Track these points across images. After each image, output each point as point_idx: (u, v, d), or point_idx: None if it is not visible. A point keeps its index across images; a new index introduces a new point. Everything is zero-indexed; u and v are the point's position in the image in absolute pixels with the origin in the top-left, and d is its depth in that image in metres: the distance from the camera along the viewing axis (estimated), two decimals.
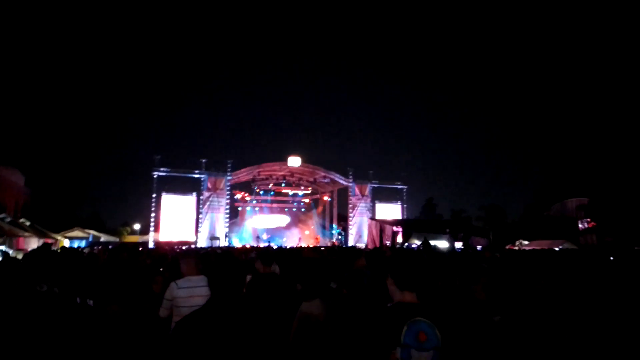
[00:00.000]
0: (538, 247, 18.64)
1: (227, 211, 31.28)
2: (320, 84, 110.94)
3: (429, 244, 16.40)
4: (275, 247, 20.30)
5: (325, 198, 38.15)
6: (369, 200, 34.97)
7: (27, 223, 14.68)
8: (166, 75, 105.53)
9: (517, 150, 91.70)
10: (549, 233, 27.13)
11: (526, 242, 24.31)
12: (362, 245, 29.22)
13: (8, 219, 13.14)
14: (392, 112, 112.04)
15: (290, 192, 38.93)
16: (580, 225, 33.60)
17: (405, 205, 36.42)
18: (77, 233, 20.98)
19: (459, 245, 19.30)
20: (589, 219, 33.45)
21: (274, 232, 36.84)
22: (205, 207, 30.26)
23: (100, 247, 16.21)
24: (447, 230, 21.44)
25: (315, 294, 3.40)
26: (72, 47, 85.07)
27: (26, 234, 12.56)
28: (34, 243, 12.18)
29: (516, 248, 21.74)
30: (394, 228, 22.66)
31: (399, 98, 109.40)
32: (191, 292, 3.65)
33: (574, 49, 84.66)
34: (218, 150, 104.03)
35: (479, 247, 17.16)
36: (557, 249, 18.07)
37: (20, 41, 70.24)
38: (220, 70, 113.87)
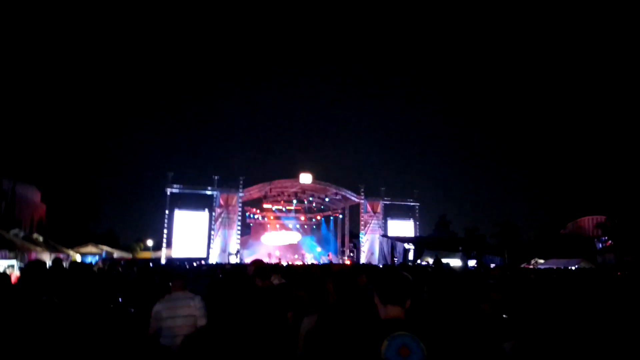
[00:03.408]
0: (554, 266, 18.21)
1: (239, 228, 31.33)
2: (332, 101, 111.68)
3: (441, 262, 16.11)
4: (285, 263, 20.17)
5: (337, 215, 38.03)
6: (381, 217, 34.66)
7: (41, 238, 14.85)
8: (179, 93, 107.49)
9: (531, 167, 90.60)
10: (565, 251, 26.59)
11: (542, 261, 23.77)
12: (375, 263, 28.87)
13: (22, 234, 13.34)
14: (405, 129, 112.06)
15: (302, 209, 38.94)
16: (598, 244, 32.85)
17: (417, 223, 36.03)
18: (90, 249, 21.15)
19: (472, 263, 18.96)
20: (606, 237, 32.72)
21: (285, 249, 36.72)
22: (217, 223, 30.33)
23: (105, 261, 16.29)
24: (460, 248, 21.12)
25: (315, 309, 3.37)
26: (88, 65, 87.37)
27: (38, 248, 12.71)
28: (46, 258, 12.28)
29: (531, 267, 21.25)
30: (406, 245, 22.41)
31: (410, 115, 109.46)
32: (173, 309, 3.72)
33: (591, 65, 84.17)
34: (230, 167, 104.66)
35: (492, 266, 16.83)
36: (573, 267, 17.63)
37: (38, 62, 72.41)
38: (232, 88, 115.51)
